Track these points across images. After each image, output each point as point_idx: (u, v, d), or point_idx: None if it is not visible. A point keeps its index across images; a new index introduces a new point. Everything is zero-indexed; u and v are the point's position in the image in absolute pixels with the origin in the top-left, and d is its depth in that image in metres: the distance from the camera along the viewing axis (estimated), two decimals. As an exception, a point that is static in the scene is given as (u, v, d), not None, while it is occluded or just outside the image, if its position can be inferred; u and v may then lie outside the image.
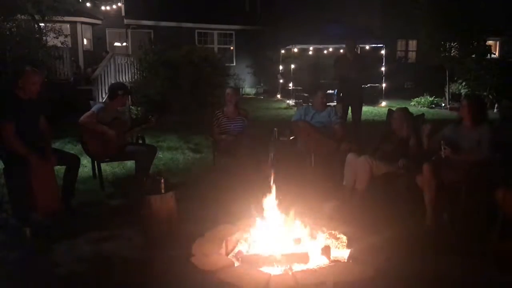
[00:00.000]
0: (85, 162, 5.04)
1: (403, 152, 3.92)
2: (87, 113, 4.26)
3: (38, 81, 3.65)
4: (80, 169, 4.19)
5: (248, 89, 17.68)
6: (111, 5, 16.04)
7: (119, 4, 16.38)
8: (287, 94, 14.57)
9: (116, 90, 4.48)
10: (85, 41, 16.63)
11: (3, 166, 3.72)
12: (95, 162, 4.58)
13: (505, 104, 6.82)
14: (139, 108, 10.47)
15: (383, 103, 13.24)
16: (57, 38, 10.45)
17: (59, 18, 11.17)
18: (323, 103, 5.14)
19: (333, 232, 2.95)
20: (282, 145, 5.11)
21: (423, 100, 13.23)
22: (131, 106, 10.11)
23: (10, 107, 3.53)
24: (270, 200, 2.93)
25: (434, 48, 12.69)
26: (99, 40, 17.16)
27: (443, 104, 12.95)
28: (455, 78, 13.05)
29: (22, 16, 9.73)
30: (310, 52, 15.66)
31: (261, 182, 3.18)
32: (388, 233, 3.06)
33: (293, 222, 2.95)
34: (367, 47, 14.22)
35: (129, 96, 11.00)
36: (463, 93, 12.64)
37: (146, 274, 2.79)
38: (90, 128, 4.25)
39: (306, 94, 13.02)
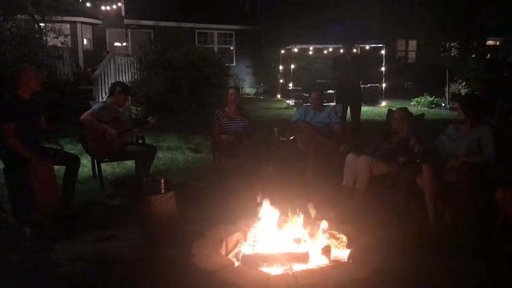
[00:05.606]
0: (85, 162, 5.04)
1: (403, 152, 3.92)
2: (88, 112, 4.30)
3: (36, 75, 3.68)
4: (80, 169, 4.19)
5: (248, 89, 17.68)
6: (111, 5, 16.03)
7: (119, 4, 16.38)
8: (287, 94, 14.56)
9: (114, 86, 4.60)
10: (85, 41, 16.63)
11: (3, 166, 3.73)
12: (95, 162, 4.59)
13: (501, 105, 6.81)
14: (139, 108, 10.47)
15: (383, 103, 13.24)
16: (57, 38, 10.44)
17: (59, 18, 11.18)
18: (315, 104, 5.15)
19: (333, 232, 2.94)
20: (282, 145, 5.12)
21: (423, 100, 13.22)
22: (131, 106, 10.10)
23: (10, 107, 3.54)
24: (270, 200, 2.93)
25: (434, 48, 12.68)
26: (99, 40, 17.16)
27: (443, 104, 12.94)
28: (455, 78, 13.05)
29: (22, 16, 9.73)
30: (310, 52, 15.65)
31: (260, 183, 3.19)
32: (388, 233, 3.06)
33: (294, 222, 2.95)
34: (367, 47, 14.21)
35: (129, 97, 11.07)
36: (463, 93, 12.64)
37: (146, 274, 2.79)
38: (91, 127, 4.27)
39: (306, 94, 13.03)
